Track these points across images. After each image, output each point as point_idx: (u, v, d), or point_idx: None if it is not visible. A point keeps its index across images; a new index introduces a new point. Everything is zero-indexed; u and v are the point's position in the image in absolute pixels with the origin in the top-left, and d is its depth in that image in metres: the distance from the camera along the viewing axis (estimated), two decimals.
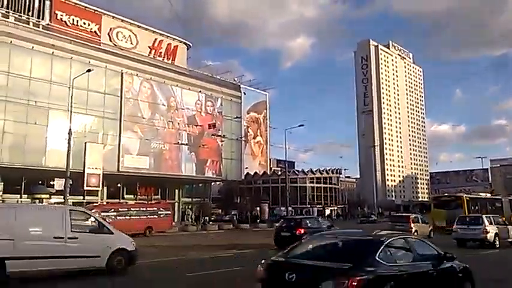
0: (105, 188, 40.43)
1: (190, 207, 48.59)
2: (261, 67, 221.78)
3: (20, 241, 9.41)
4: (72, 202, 34.24)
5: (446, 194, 35.58)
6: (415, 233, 23.65)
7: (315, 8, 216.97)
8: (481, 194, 36.88)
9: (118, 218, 27.31)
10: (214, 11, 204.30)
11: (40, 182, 33.93)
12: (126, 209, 29.28)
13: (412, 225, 24.17)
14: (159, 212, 30.96)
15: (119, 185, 42.69)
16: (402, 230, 23.66)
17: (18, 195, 35.76)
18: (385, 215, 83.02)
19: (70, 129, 27.64)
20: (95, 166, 36.97)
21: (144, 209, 31.10)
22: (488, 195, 37.07)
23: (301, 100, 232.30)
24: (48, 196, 29.74)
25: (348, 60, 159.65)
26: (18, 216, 9.75)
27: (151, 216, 29.76)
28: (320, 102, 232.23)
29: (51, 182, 33.57)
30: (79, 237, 10.27)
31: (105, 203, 36.84)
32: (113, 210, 28.22)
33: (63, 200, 27.64)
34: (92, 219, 11.37)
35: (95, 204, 33.57)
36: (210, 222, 41.72)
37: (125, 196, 43.13)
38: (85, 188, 36.69)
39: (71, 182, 27.90)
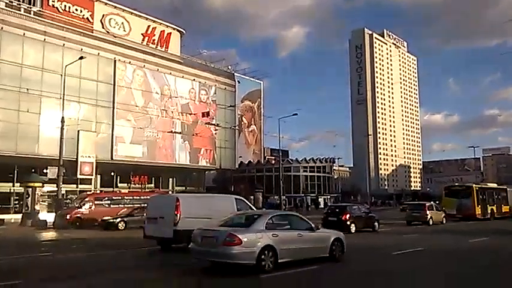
0: (98, 177, 40.33)
1: None
2: (256, 56, 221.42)
3: (214, 219, 12.47)
4: (66, 190, 34.27)
5: (457, 184, 37.69)
6: (430, 219, 25.92)
7: None
8: (488, 184, 39.50)
9: (112, 206, 27.26)
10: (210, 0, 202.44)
11: (33, 170, 33.64)
12: (120, 198, 29.19)
13: (428, 212, 26.24)
14: None
15: (112, 173, 42.50)
16: (418, 216, 26.09)
17: (11, 184, 35.58)
18: (377, 203, 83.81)
19: (63, 117, 27.40)
20: (88, 154, 36.86)
21: (138, 197, 31.03)
22: (495, 185, 39.05)
23: (295, 89, 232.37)
24: (41, 185, 29.52)
25: (343, 50, 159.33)
26: (210, 203, 14.73)
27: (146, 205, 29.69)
28: (315, 92, 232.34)
29: (44, 170, 33.33)
30: None
31: (98, 192, 36.75)
32: (106, 198, 28.15)
33: (56, 189, 27.50)
34: (247, 204, 15.93)
35: (88, 192, 33.45)
36: None
37: (119, 185, 43.00)
38: (78, 176, 36.63)
39: (64, 170, 27.74)
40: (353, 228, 19.98)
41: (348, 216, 20.36)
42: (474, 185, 32.95)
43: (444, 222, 27.19)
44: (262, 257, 9.28)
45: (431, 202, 29.92)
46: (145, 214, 15.83)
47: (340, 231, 19.11)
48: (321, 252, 10.83)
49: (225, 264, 9.41)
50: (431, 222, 25.77)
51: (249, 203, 16.38)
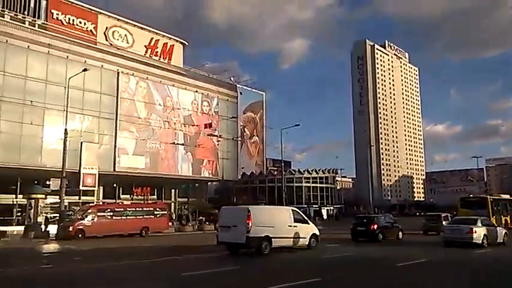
0: (101, 188, 40.33)
1: (186, 207, 48.47)
2: (259, 69, 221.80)
3: (276, 227, 15.89)
4: (68, 202, 34.28)
5: (471, 195, 38.27)
6: None
7: (313, 11, 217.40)
8: (502, 195, 40.07)
9: (114, 218, 27.27)
10: (213, 13, 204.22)
11: (36, 182, 33.68)
12: (123, 209, 29.19)
13: (444, 222, 27.13)
14: (156, 212, 30.90)
15: (114, 185, 42.52)
16: (435, 226, 27.47)
17: (14, 195, 35.61)
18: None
19: (66, 129, 27.55)
20: (90, 166, 36.90)
21: (140, 209, 31.02)
22: (507, 196, 39.41)
23: (298, 100, 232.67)
24: (44, 196, 29.56)
25: (345, 62, 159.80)
26: (273, 213, 17.19)
27: (148, 216, 29.70)
28: (317, 103, 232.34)
29: (47, 182, 33.37)
30: (297, 225, 16.94)
31: (101, 203, 36.73)
32: (109, 210, 28.16)
33: (59, 200, 27.51)
34: (300, 214, 17.99)
35: (91, 204, 33.42)
36: (207, 222, 41.59)
37: (121, 196, 42.96)
38: (81, 187, 36.64)
39: (67, 182, 27.80)
40: (380, 237, 21.74)
41: (375, 226, 22.05)
42: (489, 196, 33.62)
43: None
44: (483, 239, 17.95)
45: (447, 214, 31.18)
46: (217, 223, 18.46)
47: (369, 239, 22.28)
48: (497, 239, 19.16)
49: (462, 242, 17.80)
50: None
51: (301, 213, 18.63)
